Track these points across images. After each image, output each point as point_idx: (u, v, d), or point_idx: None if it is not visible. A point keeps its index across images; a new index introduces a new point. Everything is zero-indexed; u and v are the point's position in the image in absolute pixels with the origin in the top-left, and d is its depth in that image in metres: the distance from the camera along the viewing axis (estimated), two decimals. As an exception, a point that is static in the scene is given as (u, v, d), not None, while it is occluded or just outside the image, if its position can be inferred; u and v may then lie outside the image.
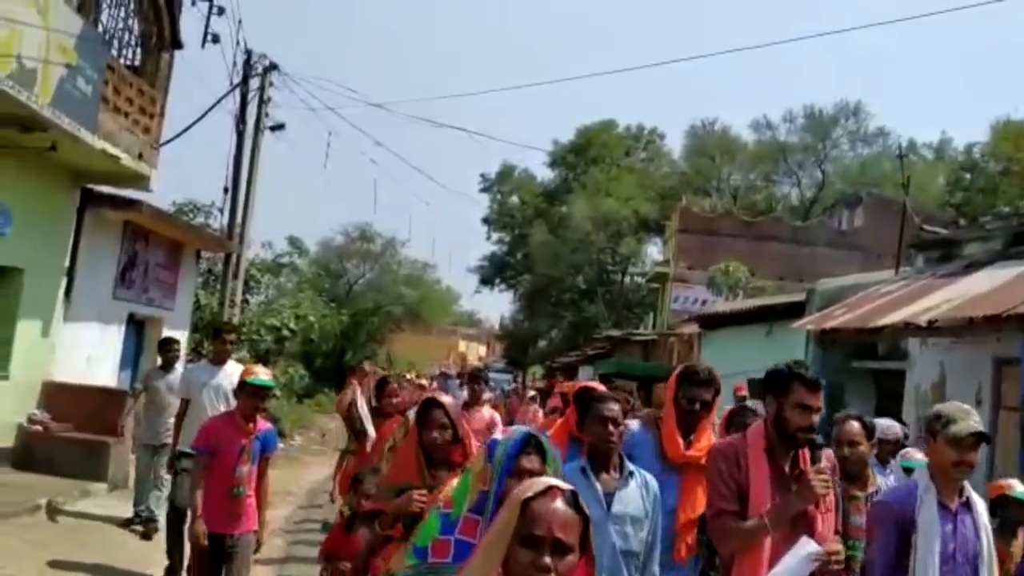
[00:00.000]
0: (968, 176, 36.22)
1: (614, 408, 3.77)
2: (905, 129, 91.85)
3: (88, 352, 12.16)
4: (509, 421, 15.32)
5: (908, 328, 9.36)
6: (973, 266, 10.40)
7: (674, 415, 4.07)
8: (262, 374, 5.34)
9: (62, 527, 8.33)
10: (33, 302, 10.88)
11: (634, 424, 4.35)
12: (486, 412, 7.87)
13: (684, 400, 4.05)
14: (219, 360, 7.29)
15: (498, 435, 2.75)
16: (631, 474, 3.73)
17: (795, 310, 13.20)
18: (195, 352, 17.25)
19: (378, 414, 6.94)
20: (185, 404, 7.20)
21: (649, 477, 3.77)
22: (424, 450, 3.58)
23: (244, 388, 5.25)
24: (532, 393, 15.29)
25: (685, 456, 4.00)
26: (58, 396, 11.10)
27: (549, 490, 1.88)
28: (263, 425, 5.40)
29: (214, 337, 7.75)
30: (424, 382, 15.05)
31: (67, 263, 11.54)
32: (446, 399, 3.68)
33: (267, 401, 5.34)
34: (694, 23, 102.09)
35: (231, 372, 6.79)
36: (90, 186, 11.75)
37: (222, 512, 5.22)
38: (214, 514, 5.19)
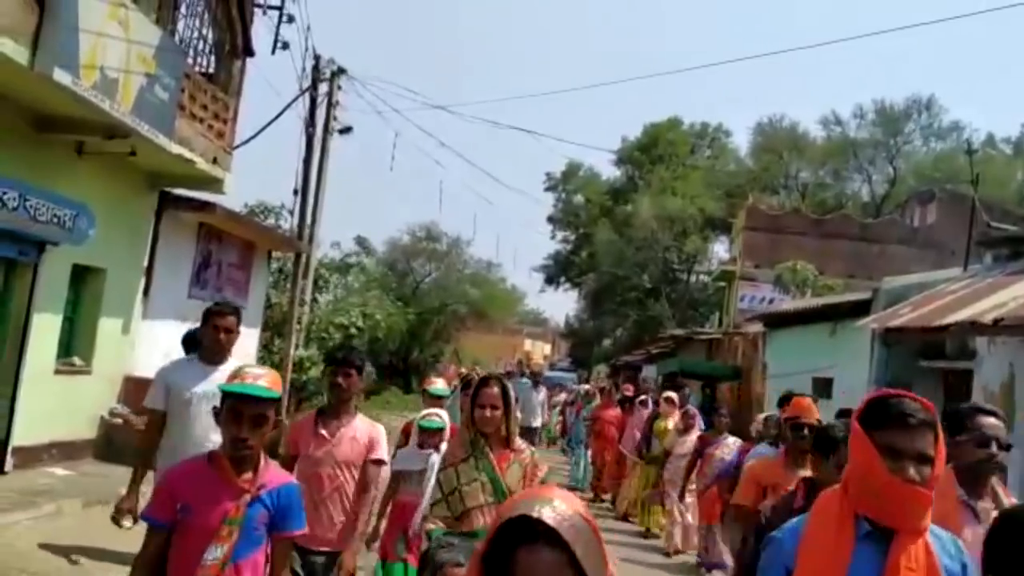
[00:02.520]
0: (1048, 171, 35.08)
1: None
2: (984, 124, 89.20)
3: (165, 349, 12.65)
4: (618, 430, 13.44)
5: (974, 327, 9.22)
6: (1043, 264, 10.19)
7: None
8: (257, 379, 2.97)
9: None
10: (115, 300, 11.42)
11: None
12: (360, 424, 4.63)
13: None
14: (213, 357, 4.79)
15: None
16: None
17: (861, 309, 13.02)
18: (266, 350, 17.73)
19: None
20: (159, 422, 4.76)
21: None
22: None
23: (223, 403, 3.00)
24: (643, 397, 13.76)
25: None
26: (137, 390, 11.58)
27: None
28: (273, 476, 3.05)
29: (203, 322, 4.91)
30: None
31: (146, 263, 12.08)
32: (566, 517, 1.47)
33: (265, 427, 2.99)
34: (760, 20, 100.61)
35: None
36: (167, 189, 12.27)
37: None
38: None
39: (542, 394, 16.83)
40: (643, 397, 13.64)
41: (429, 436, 5.60)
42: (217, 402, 3.71)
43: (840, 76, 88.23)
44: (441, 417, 5.70)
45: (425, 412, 5.83)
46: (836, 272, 27.29)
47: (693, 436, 10.21)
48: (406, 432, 6.30)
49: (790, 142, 43.53)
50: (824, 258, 28.24)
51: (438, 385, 6.81)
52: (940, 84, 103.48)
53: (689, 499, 10.06)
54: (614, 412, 14.18)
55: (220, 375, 4.31)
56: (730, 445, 9.01)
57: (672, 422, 11.29)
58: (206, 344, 4.87)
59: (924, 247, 28.62)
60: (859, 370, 12.89)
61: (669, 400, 11.88)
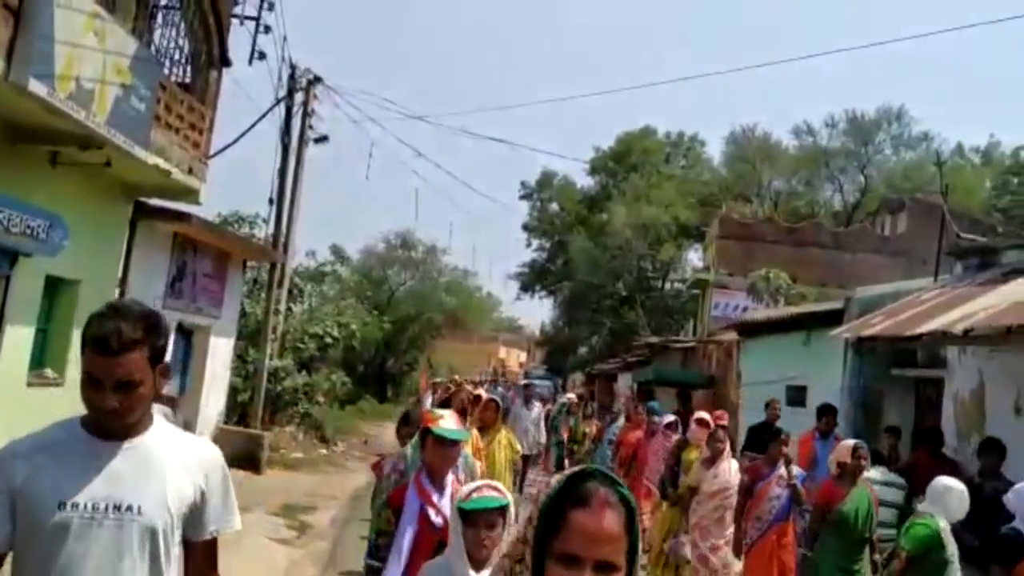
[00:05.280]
0: (1015, 180, 35.67)
1: None
2: (953, 133, 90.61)
3: (140, 360, 12.54)
4: (622, 449, 11.28)
5: (945, 336, 9.34)
6: (1012, 273, 10.34)
7: None
8: None
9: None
10: (88, 312, 11.10)
11: None
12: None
13: None
14: (107, 424, 2.40)
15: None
16: None
17: (833, 318, 13.15)
18: (240, 360, 17.54)
19: None
20: None
21: None
22: None
23: None
24: (671, 418, 10.86)
25: None
26: (112, 402, 11.48)
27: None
28: None
29: (84, 342, 2.41)
30: (481, 392, 11.09)
31: (120, 274, 11.97)
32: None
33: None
34: (735, 30, 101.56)
35: (166, 455, 2.43)
36: (142, 199, 12.17)
37: None
38: None
39: (536, 410, 13.08)
40: (670, 418, 10.91)
41: (489, 527, 3.07)
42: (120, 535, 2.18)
43: (812, 86, 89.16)
44: (502, 491, 3.21)
45: (475, 484, 3.27)
46: (808, 280, 27.58)
47: (726, 467, 8.02)
48: (378, 469, 4.29)
49: (763, 151, 43.94)
50: (796, 266, 28.54)
51: (448, 424, 3.92)
52: (909, 94, 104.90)
53: (724, 550, 7.85)
54: (639, 434, 11.47)
55: (122, 464, 2.35)
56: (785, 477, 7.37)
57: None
58: (84, 396, 2.43)
59: (895, 255, 29.01)
60: (832, 378, 13.02)
61: (701, 422, 9.13)
